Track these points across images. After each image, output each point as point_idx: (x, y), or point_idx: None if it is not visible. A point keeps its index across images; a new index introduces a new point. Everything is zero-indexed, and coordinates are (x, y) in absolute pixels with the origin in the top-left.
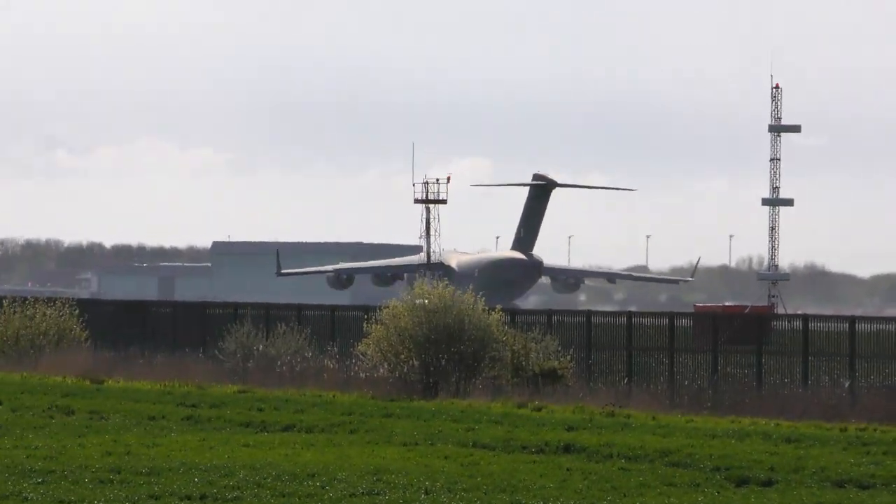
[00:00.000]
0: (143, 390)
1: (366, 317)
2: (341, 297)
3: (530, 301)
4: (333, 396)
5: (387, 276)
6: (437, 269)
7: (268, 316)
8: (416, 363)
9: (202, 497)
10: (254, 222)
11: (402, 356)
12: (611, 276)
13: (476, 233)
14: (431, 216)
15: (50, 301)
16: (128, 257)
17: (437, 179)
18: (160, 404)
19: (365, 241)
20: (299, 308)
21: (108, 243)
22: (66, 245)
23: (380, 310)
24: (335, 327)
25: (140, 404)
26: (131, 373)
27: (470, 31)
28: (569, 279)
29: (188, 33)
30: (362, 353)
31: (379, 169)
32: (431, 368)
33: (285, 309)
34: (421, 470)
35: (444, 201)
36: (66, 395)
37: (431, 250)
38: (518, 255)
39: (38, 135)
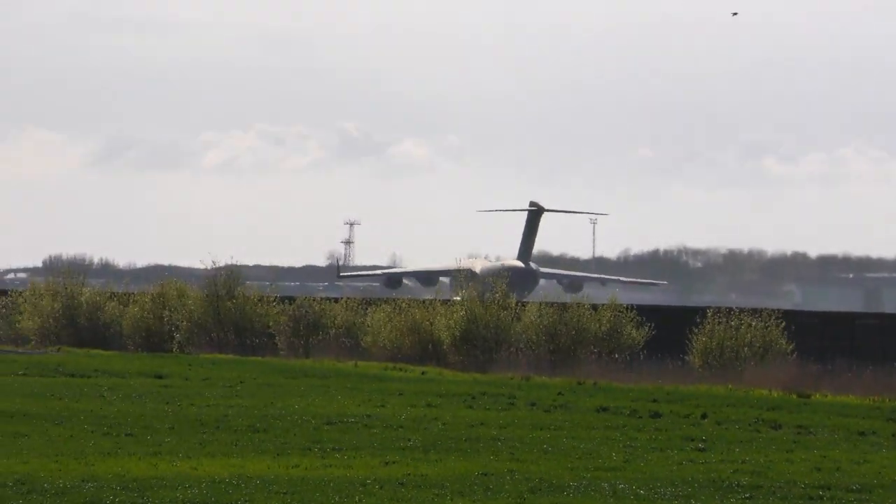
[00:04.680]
0: (850, 405)
1: None
2: None
3: None
4: None
5: (430, 279)
6: (466, 273)
7: None
8: None
9: None
10: None
11: None
12: (603, 280)
13: None
14: None
15: (755, 312)
16: (832, 267)
17: None
18: (869, 419)
19: None
20: None
21: (812, 253)
22: (769, 255)
23: None
24: None
25: (848, 419)
26: (838, 386)
27: None
28: (573, 282)
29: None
30: None
31: None
32: None
33: None
34: None
35: None
36: (772, 409)
37: None
38: (520, 263)
39: (744, 142)
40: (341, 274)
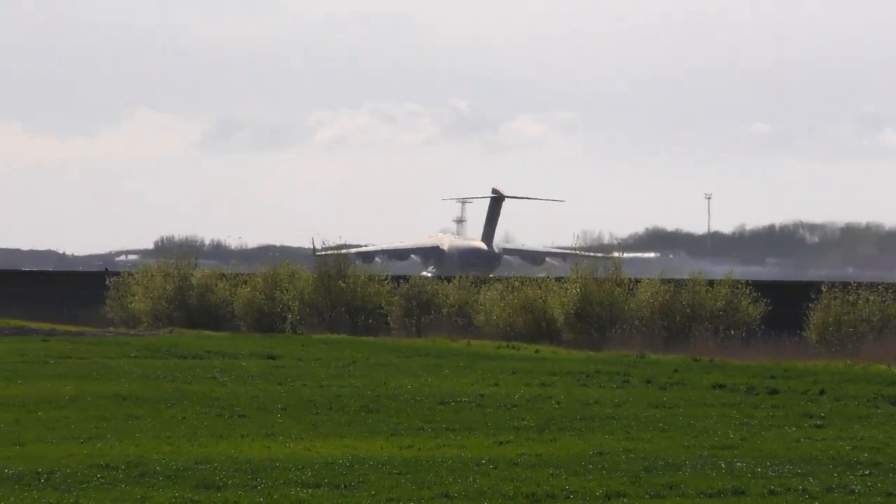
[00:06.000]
0: None
1: None
2: None
3: None
4: None
5: (401, 256)
6: (434, 252)
7: None
8: None
9: None
10: None
11: None
12: (564, 256)
13: None
14: None
15: (872, 286)
16: None
17: None
18: None
19: None
20: None
21: None
22: (886, 228)
23: None
24: None
25: None
26: None
27: None
28: (536, 257)
29: None
30: None
31: None
32: None
33: None
34: None
35: None
36: (891, 384)
37: None
38: (484, 245)
39: (862, 114)
40: (317, 253)
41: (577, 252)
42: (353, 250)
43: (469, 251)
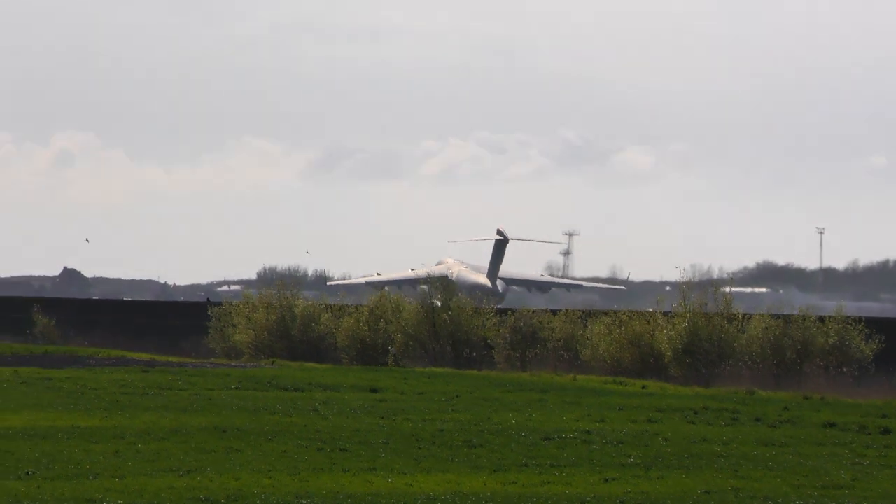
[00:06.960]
0: None
1: None
2: None
3: None
4: None
5: (410, 285)
6: (441, 281)
7: None
8: None
9: None
10: None
11: None
12: (568, 286)
13: None
14: None
15: None
16: None
17: None
18: None
19: None
20: None
21: None
22: None
23: None
24: None
25: None
26: None
27: None
28: (541, 287)
29: None
30: None
31: None
32: None
33: None
34: None
35: None
36: None
37: None
38: (487, 282)
39: None
40: (328, 283)
41: (582, 283)
42: (363, 279)
43: (473, 286)
